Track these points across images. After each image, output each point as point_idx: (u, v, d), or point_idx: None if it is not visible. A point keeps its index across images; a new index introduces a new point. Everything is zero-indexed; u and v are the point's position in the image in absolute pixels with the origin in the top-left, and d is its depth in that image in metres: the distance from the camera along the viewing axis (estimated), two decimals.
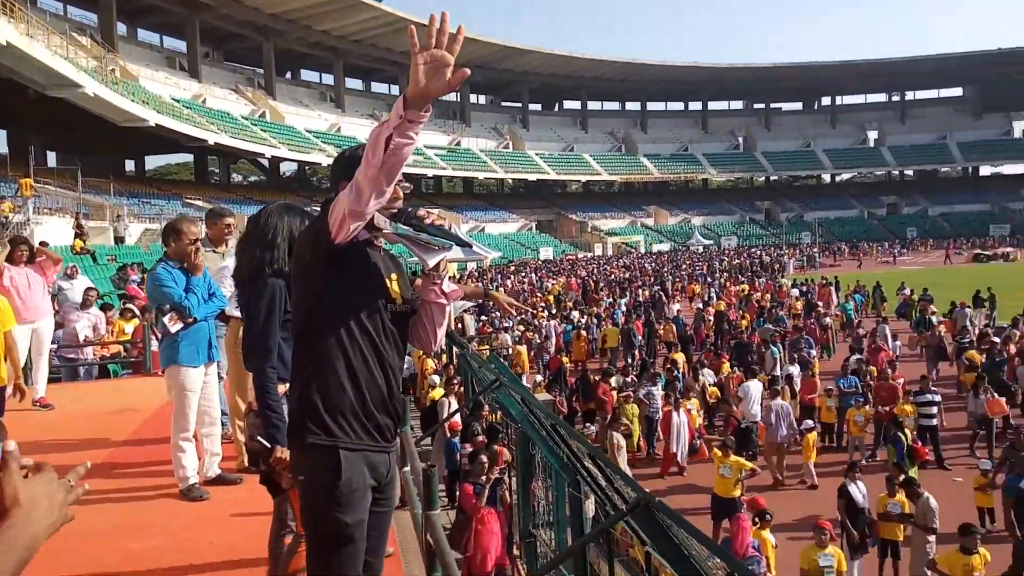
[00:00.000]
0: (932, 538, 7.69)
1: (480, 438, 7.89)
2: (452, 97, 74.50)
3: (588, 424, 13.82)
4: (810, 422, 12.00)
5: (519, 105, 77.70)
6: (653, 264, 47.94)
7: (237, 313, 4.17)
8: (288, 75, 64.66)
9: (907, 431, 10.73)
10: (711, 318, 21.98)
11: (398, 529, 4.01)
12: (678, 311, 24.43)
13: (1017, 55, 73.71)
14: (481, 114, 75.63)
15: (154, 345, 8.65)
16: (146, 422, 6.48)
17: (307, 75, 67.40)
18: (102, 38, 40.45)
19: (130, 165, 54.24)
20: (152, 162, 63.37)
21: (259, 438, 3.08)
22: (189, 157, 60.31)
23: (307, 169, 62.42)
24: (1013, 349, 15.49)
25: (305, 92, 63.96)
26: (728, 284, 32.98)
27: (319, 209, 2.29)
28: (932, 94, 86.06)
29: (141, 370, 9.26)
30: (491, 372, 5.51)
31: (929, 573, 7.28)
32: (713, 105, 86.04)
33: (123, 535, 4.06)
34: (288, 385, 2.60)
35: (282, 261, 3.22)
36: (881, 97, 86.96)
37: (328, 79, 65.62)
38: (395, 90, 68.74)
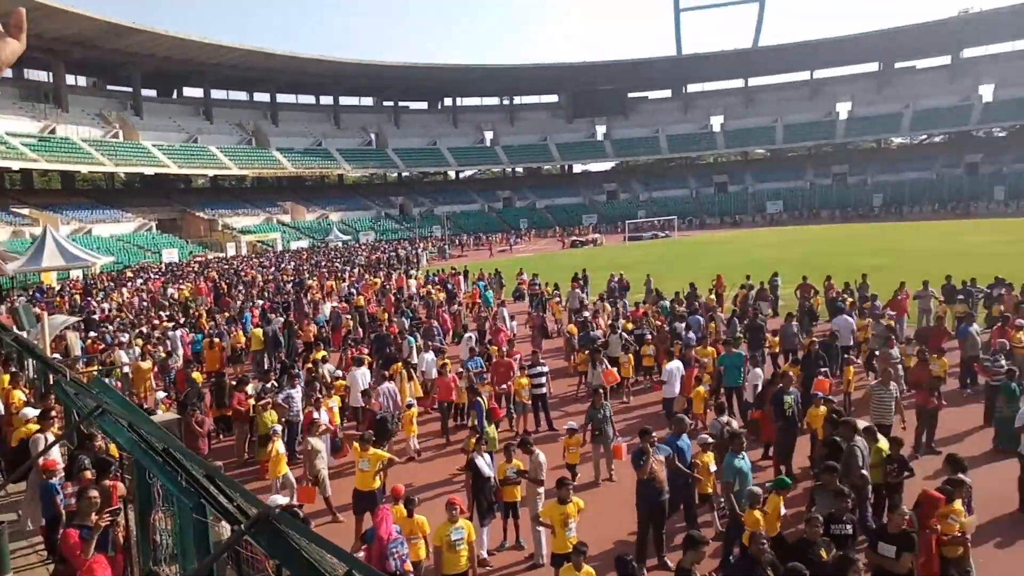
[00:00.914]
0: (541, 491, 8.83)
1: (88, 473, 6.93)
2: (43, 77, 63.59)
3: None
4: (411, 399, 12.97)
5: (130, 90, 69.52)
6: (294, 263, 46.84)
7: None
8: None
9: (484, 396, 12.17)
10: (349, 315, 22.25)
11: None
12: (316, 307, 24.24)
13: (597, 68, 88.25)
14: (82, 98, 65.98)
15: None
16: None
17: None
18: None
19: None
20: None
21: None
22: None
23: None
24: (602, 322, 18.45)
25: None
26: (367, 279, 33.71)
27: None
28: (535, 99, 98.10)
29: None
30: (93, 397, 4.82)
31: (540, 527, 8.35)
32: (345, 100, 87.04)
33: None
34: None
35: None
36: (495, 100, 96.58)
37: None
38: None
